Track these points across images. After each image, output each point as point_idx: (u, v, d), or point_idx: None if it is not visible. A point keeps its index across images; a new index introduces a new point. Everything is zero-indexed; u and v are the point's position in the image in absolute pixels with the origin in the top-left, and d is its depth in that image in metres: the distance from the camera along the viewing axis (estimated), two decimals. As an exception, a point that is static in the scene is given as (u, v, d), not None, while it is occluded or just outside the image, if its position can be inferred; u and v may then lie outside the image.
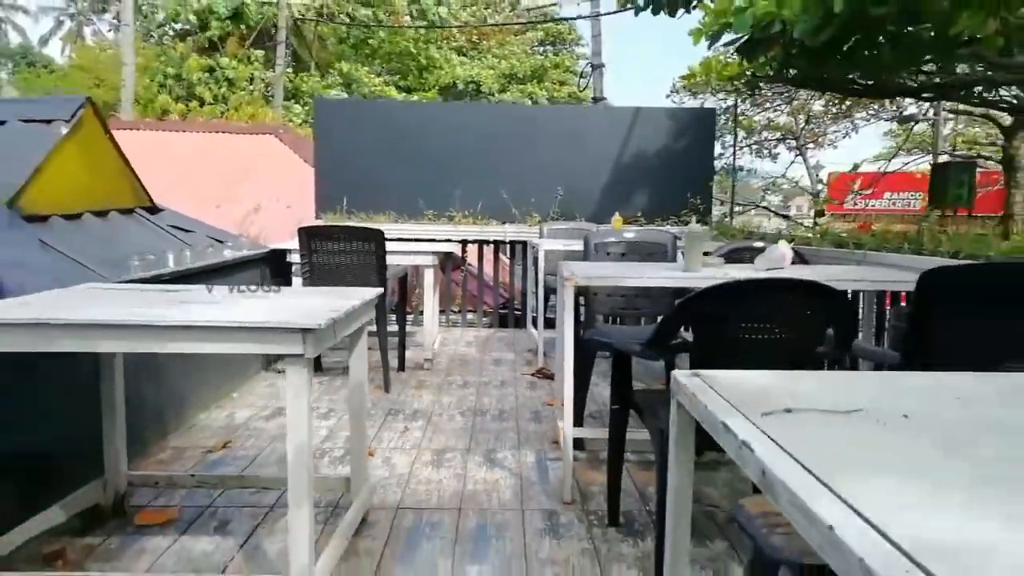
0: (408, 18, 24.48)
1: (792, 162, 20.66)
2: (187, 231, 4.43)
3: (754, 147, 18.35)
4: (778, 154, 19.99)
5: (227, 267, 3.94)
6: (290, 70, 19.19)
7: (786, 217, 13.70)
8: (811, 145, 18.82)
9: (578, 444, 3.10)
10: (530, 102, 25.73)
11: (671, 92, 11.63)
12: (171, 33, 19.14)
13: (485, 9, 29.77)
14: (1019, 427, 0.89)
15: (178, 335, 1.71)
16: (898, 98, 9.04)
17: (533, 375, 4.58)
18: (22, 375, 2.22)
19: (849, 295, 3.36)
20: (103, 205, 3.93)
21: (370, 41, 23.51)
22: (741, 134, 15.04)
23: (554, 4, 24.36)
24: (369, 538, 2.30)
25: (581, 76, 15.24)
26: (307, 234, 3.88)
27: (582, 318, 3.70)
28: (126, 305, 1.92)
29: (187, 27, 17.94)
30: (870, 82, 5.86)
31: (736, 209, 16.37)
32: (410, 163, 6.36)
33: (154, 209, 4.42)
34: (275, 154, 8.95)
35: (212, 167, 8.18)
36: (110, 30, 33.53)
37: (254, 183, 8.07)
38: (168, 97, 16.21)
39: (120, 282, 2.70)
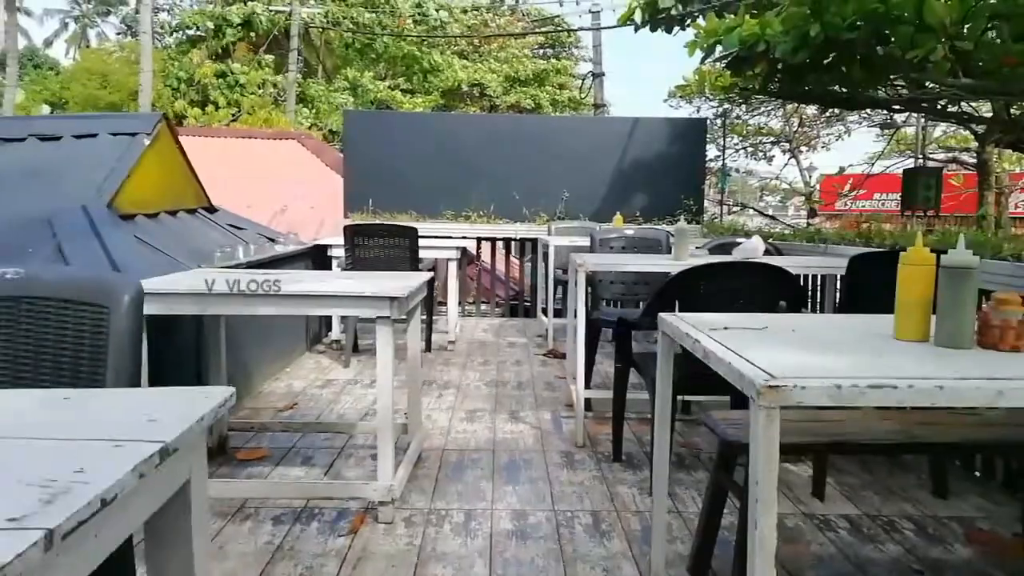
0: (411, 21, 25.09)
1: (786, 164, 21.31)
2: (240, 228, 5.05)
3: (749, 150, 19.00)
4: (773, 157, 20.62)
5: (282, 259, 4.55)
6: (299, 75, 19.77)
7: (772, 217, 14.33)
8: (804, 148, 19.48)
9: (587, 405, 3.71)
10: (533, 104, 26.35)
11: (668, 98, 12.25)
12: (184, 38, 19.71)
13: (487, 12, 30.41)
14: (850, 327, 1.51)
15: (315, 302, 2.35)
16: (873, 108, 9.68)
17: (544, 355, 5.19)
18: (159, 337, 2.83)
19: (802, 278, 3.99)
20: (174, 206, 4.54)
21: (375, 46, 24.12)
22: (737, 137, 15.68)
23: (556, 7, 24.90)
24: (426, 467, 2.92)
25: (583, 82, 15.86)
26: (351, 231, 4.50)
27: (589, 304, 4.31)
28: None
29: (200, 33, 18.52)
30: (846, 94, 6.49)
31: (735, 209, 17.00)
32: (430, 168, 6.98)
33: (212, 209, 5.04)
34: (298, 158, 9.55)
35: (241, 170, 8.73)
36: (119, 34, 34.07)
37: (279, 185, 8.66)
38: (184, 102, 16.81)
39: (224, 267, 3.32)
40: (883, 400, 1.09)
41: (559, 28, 23.15)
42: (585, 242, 4.59)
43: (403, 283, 2.52)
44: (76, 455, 0.77)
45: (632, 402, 3.16)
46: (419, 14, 25.01)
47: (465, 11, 29.08)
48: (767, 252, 3.76)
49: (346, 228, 4.51)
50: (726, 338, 1.41)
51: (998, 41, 4.71)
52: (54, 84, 31.18)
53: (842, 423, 1.84)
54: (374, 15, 22.93)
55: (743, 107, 13.84)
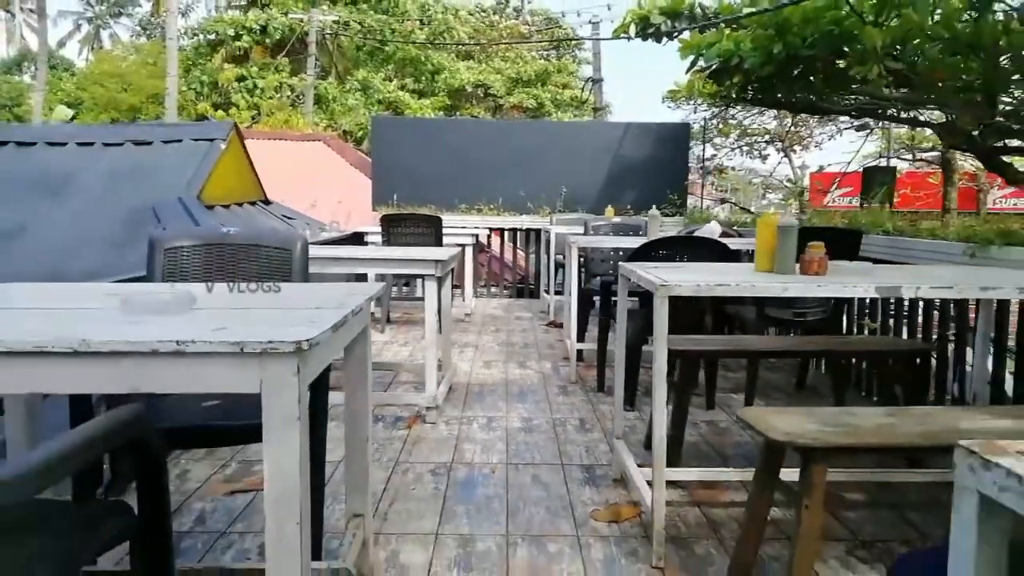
0: (418, 24, 26.02)
1: (779, 163, 22.25)
2: (291, 218, 6.00)
3: (745, 148, 19.92)
4: (767, 155, 21.55)
5: (330, 243, 5.50)
6: (312, 76, 20.73)
7: (746, 210, 15.28)
8: (797, 147, 20.40)
9: (578, 356, 4.65)
10: (535, 104, 27.23)
11: (662, 100, 13.14)
12: (204, 42, 20.66)
13: (493, 15, 31.29)
14: (731, 269, 2.44)
15: (386, 264, 3.31)
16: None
17: (547, 325, 6.14)
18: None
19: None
20: (240, 198, 5.50)
21: (385, 48, 25.06)
22: (732, 137, 16.60)
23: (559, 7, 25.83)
24: (456, 393, 3.87)
25: (583, 87, 16.77)
26: (387, 220, 5.45)
27: (582, 279, 5.25)
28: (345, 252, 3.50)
29: (221, 37, 19.47)
30: (811, 102, 7.42)
31: (727, 204, 17.97)
32: (446, 166, 7.92)
33: (267, 201, 6.00)
34: (324, 158, 10.49)
35: (274, 168, 9.63)
36: (133, 36, 34.97)
37: (309, 181, 9.57)
38: (207, 104, 17.79)
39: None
40: (721, 292, 2.03)
41: (559, 39, 24.03)
42: (581, 230, 5.54)
43: (443, 252, 3.47)
44: (304, 313, 1.70)
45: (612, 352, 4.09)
46: (425, 17, 25.97)
47: (471, 12, 30.01)
48: (726, 234, 4.71)
49: (382, 218, 5.46)
50: (650, 269, 2.35)
51: (926, 60, 5.64)
52: (69, 84, 32.09)
53: (739, 340, 2.78)
54: (384, 18, 23.89)
55: (738, 108, 14.75)
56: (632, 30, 8.50)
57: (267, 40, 19.93)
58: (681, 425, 2.70)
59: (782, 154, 20.17)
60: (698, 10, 8.35)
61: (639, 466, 2.47)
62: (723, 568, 2.04)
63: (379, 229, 5.69)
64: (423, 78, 26.18)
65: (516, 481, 2.70)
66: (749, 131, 15.17)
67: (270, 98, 18.85)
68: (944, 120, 7.94)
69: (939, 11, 5.39)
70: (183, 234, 2.26)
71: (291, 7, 19.44)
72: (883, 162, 12.09)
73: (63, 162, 5.04)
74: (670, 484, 2.50)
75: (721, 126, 13.76)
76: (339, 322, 1.41)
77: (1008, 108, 5.84)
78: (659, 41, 8.56)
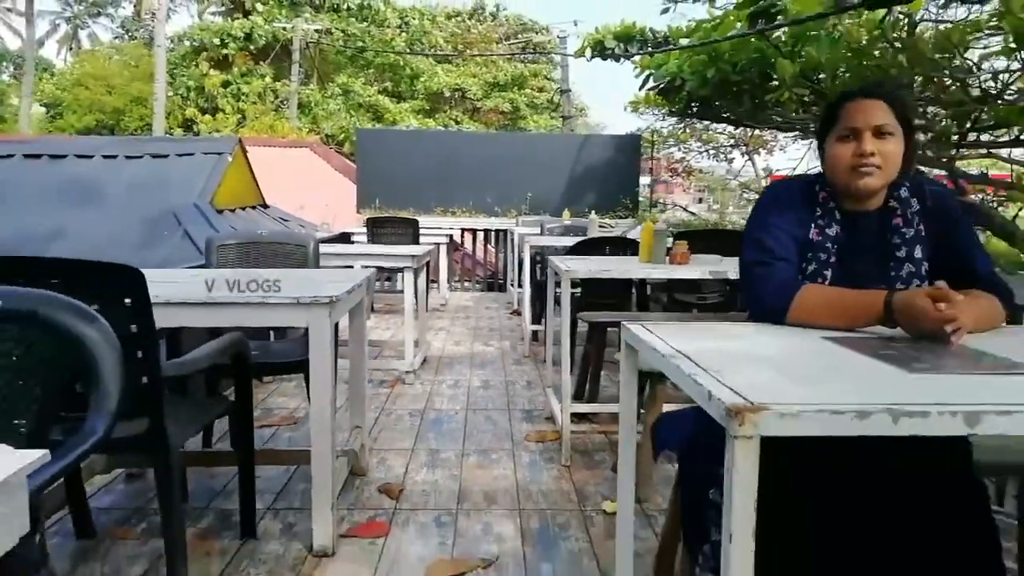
0: (398, 30, 26.84)
1: (743, 165, 23.40)
2: (286, 220, 6.85)
3: (711, 152, 21.03)
4: (733, 158, 22.70)
5: (324, 242, 6.36)
6: (299, 84, 21.47)
7: (692, 214, 16.37)
8: (761, 150, 21.54)
9: (533, 336, 5.56)
10: (511, 108, 28.12)
11: (624, 110, 14.15)
12: (189, 48, 21.31)
13: (468, 19, 32.15)
14: (632, 262, 3.37)
15: (383, 259, 4.19)
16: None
17: (510, 313, 7.06)
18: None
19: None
20: (243, 203, 6.34)
21: (365, 54, 25.85)
22: (693, 141, 17.64)
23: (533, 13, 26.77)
24: (429, 363, 4.78)
25: (552, 96, 17.69)
26: (372, 222, 6.33)
27: (539, 273, 6.16)
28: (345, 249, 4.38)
29: (206, 44, 20.15)
30: (746, 117, 8.42)
31: (670, 206, 19.06)
32: (425, 173, 8.82)
33: (265, 205, 6.85)
34: (311, 163, 11.31)
35: (264, 173, 10.39)
36: (116, 38, 35.29)
37: (297, 186, 10.38)
38: (194, 109, 18.50)
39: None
40: (603, 275, 2.95)
41: (531, 52, 25.03)
42: (539, 231, 6.47)
43: (419, 249, 4.37)
44: (328, 285, 2.59)
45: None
46: (404, 23, 26.77)
47: (449, 17, 30.85)
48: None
49: (368, 220, 6.34)
50: (564, 260, 3.26)
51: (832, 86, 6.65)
52: (48, 85, 32.32)
53: (639, 315, 3.70)
54: (364, 25, 24.68)
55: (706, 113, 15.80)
56: (589, 53, 9.53)
57: (251, 47, 20.64)
58: (595, 375, 3.63)
59: (746, 157, 21.33)
60: (648, 34, 9.38)
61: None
62: (601, 468, 2.97)
63: (364, 230, 6.57)
64: (402, 82, 26.99)
65: (473, 420, 3.62)
66: (707, 137, 16.20)
67: (253, 103, 19.57)
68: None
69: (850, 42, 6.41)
70: (229, 236, 3.15)
71: (276, 15, 20.18)
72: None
73: (91, 173, 5.86)
74: (583, 418, 3.43)
75: (680, 133, 14.76)
76: (349, 289, 2.31)
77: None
78: (617, 61, 9.57)
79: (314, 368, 2.13)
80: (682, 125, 15.88)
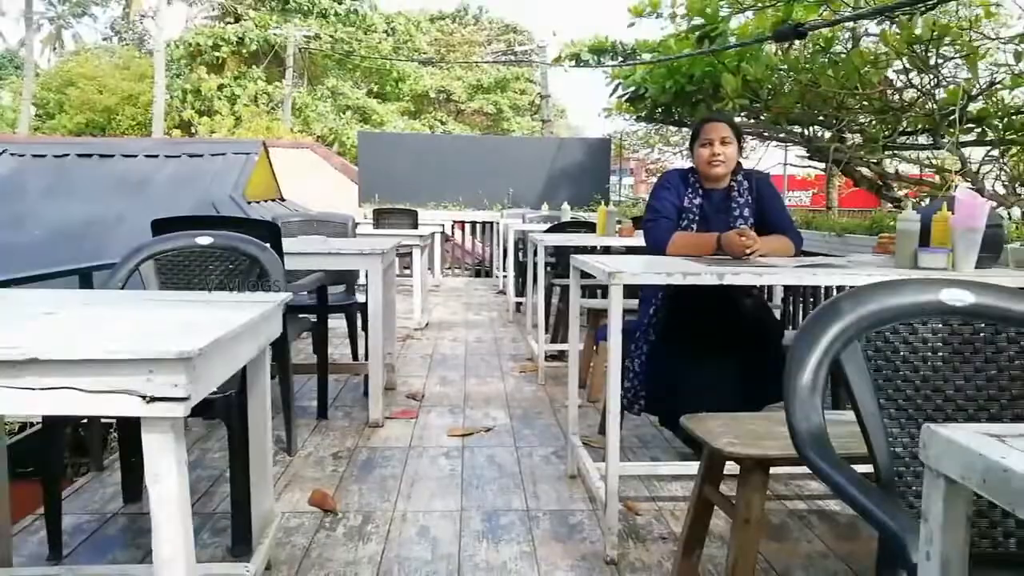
0: (384, 34, 27.81)
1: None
2: (298, 211, 7.86)
3: (685, 154, 22.27)
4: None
5: (334, 230, 7.38)
6: (291, 87, 22.43)
7: None
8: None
9: (517, 308, 6.62)
10: (495, 109, 29.15)
11: (598, 115, 15.26)
12: (183, 52, 22.14)
13: (452, 23, 33.16)
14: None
15: (400, 238, 5.24)
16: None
17: (497, 293, 8.12)
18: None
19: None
20: (265, 197, 7.35)
21: (352, 57, 26.84)
22: (658, 143, 18.83)
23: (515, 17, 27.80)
24: (432, 325, 5.83)
25: (532, 101, 18.77)
26: (377, 212, 7.36)
27: (523, 256, 7.23)
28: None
29: (202, 48, 21.02)
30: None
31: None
32: (419, 172, 9.87)
33: (283, 199, 7.86)
34: (312, 162, 12.29)
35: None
36: (105, 39, 35.85)
37: (300, 183, 11.32)
38: (192, 112, 19.40)
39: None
40: (566, 243, 4.02)
41: (512, 60, 26.10)
42: (521, 221, 7.54)
43: (425, 231, 5.43)
44: (368, 247, 3.64)
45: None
46: (389, 28, 27.72)
47: (432, 20, 31.83)
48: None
49: (374, 211, 7.37)
50: (541, 235, 4.33)
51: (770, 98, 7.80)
52: (33, 85, 32.77)
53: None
54: (352, 30, 25.64)
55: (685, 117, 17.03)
56: (566, 63, 10.67)
57: (243, 51, 21.54)
58: (565, 325, 4.70)
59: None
60: (619, 47, 10.53)
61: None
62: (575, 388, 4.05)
63: (368, 219, 7.60)
64: (388, 85, 27.94)
65: (471, 360, 4.68)
66: (676, 140, 17.40)
67: (246, 105, 20.48)
68: (811, 138, 10.12)
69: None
70: (291, 215, 4.19)
71: (267, 22, 21.11)
72: (778, 169, 14.37)
73: (138, 170, 6.85)
74: (556, 359, 4.50)
75: (651, 137, 15.95)
76: (390, 247, 3.36)
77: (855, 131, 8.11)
78: (591, 67, 10.68)
79: (371, 299, 3.17)
80: (654, 129, 17.10)
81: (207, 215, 2.47)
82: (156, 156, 7.03)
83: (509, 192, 9.92)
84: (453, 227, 9.68)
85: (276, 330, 1.68)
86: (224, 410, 1.91)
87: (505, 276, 8.22)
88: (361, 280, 3.85)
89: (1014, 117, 6.65)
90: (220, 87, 20.40)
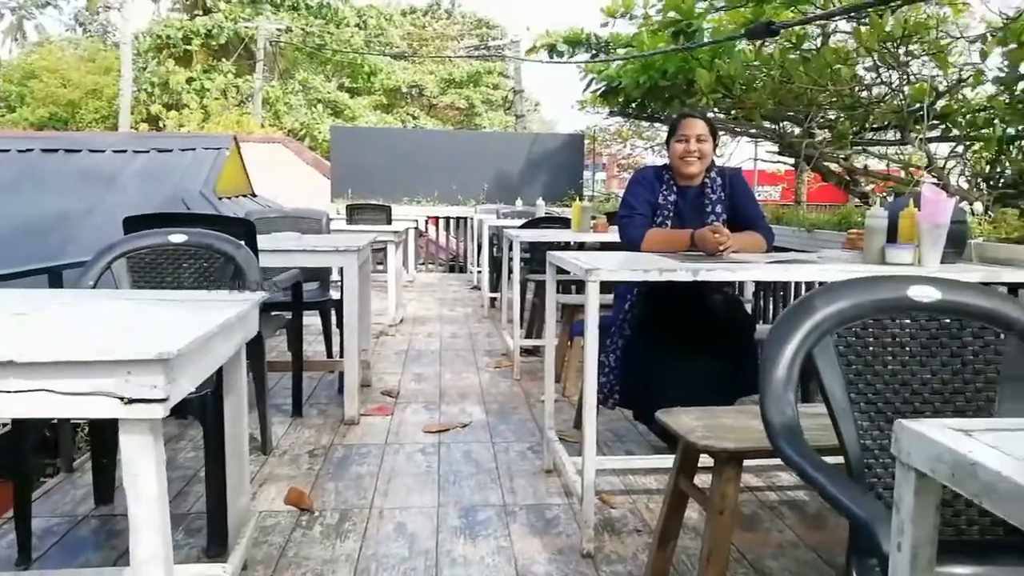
0: (356, 28, 27.54)
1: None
2: (270, 207, 7.78)
3: (657, 148, 22.41)
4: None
5: (307, 225, 7.31)
6: (260, 79, 22.11)
7: None
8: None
9: (492, 303, 6.63)
10: (467, 104, 29.05)
11: (571, 107, 15.34)
12: (151, 44, 21.72)
13: (424, 16, 32.95)
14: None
15: (375, 235, 5.21)
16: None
17: (471, 289, 8.12)
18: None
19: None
20: (236, 192, 7.26)
21: (324, 50, 26.53)
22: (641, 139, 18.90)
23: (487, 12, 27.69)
24: (407, 321, 5.81)
25: (506, 97, 18.74)
26: (350, 207, 7.31)
27: (496, 249, 7.23)
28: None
29: (171, 40, 20.64)
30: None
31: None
32: (393, 166, 9.82)
33: (254, 194, 7.77)
34: (284, 157, 12.16)
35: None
36: (68, 31, 35.04)
37: (272, 177, 11.18)
38: (159, 105, 19.05)
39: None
40: (541, 239, 4.03)
41: (485, 55, 26.03)
42: (495, 217, 7.54)
43: (400, 226, 5.40)
44: (343, 244, 3.62)
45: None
46: (361, 21, 27.46)
47: (405, 14, 31.60)
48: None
49: (348, 206, 7.31)
50: (517, 230, 4.33)
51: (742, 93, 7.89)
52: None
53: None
54: (323, 23, 25.34)
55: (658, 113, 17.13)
56: (541, 53, 10.67)
57: (213, 43, 21.20)
58: (540, 319, 4.72)
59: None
60: (593, 39, 10.56)
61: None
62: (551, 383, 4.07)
63: (340, 215, 7.54)
64: (360, 79, 27.68)
65: (446, 355, 4.68)
66: (649, 135, 17.47)
67: (216, 99, 20.18)
68: (782, 133, 10.23)
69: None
70: (267, 211, 4.15)
71: (238, 14, 20.79)
72: (749, 163, 14.54)
73: (105, 165, 6.72)
74: (531, 353, 4.52)
75: (624, 131, 16.00)
76: (365, 244, 3.34)
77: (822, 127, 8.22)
78: (564, 61, 10.71)
79: (346, 296, 3.16)
80: (627, 124, 17.17)
81: (180, 212, 2.44)
82: (124, 151, 6.90)
83: (483, 187, 9.91)
84: (427, 222, 9.64)
85: (252, 329, 1.67)
86: (200, 410, 1.89)
87: (479, 271, 8.22)
88: (335, 276, 3.84)
89: (977, 114, 6.82)
90: (189, 80, 20.06)
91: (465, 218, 9.49)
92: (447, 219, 9.76)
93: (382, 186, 9.56)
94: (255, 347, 2.66)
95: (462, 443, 3.04)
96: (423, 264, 9.87)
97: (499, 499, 2.48)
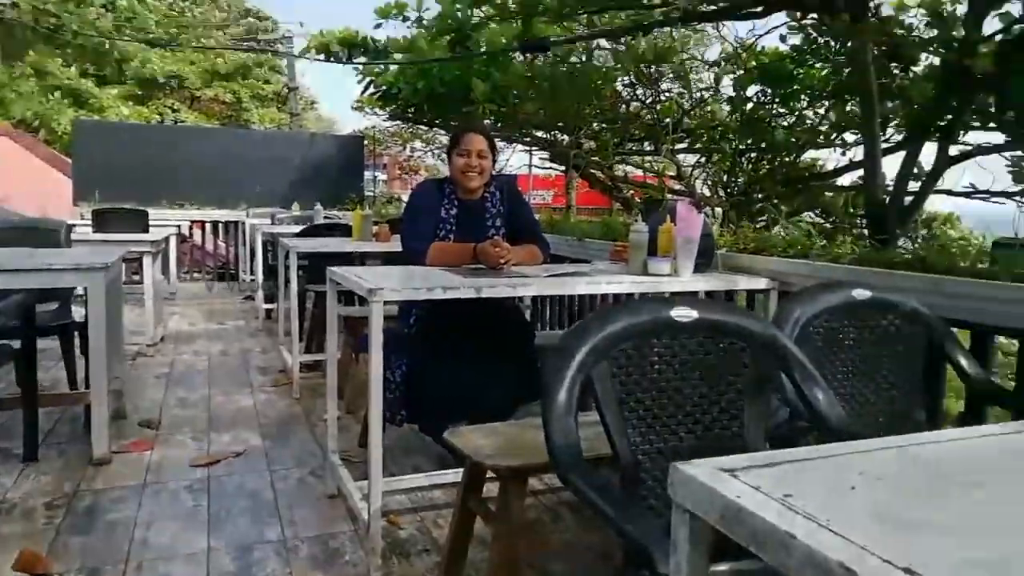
0: (103, 9, 24.64)
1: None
2: (-3, 212, 6.70)
3: (437, 152, 22.65)
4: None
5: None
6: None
7: None
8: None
9: (267, 314, 6.25)
10: (233, 99, 27.19)
11: (351, 108, 15.00)
12: None
13: (183, 2, 30.37)
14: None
15: (129, 244, 4.63)
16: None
17: (244, 299, 7.60)
18: None
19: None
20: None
21: (63, 31, 23.38)
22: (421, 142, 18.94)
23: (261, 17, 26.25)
24: (168, 340, 5.29)
25: (279, 94, 17.88)
26: (97, 212, 6.50)
27: (272, 257, 6.83)
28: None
29: None
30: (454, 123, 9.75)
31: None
32: (150, 166, 8.88)
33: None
34: (11, 153, 10.49)
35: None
36: None
37: (-3, 178, 9.62)
38: None
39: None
40: (320, 249, 3.87)
41: (256, 46, 24.69)
42: (270, 221, 7.11)
43: (157, 234, 4.89)
44: (88, 258, 3.20)
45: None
46: (109, 2, 24.64)
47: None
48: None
49: (93, 211, 6.48)
50: (292, 240, 4.11)
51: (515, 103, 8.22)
52: None
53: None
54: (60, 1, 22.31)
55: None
56: (314, 53, 10.29)
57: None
58: (321, 332, 4.52)
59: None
60: (370, 43, 10.37)
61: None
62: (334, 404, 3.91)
63: (86, 221, 6.67)
64: (108, 66, 24.82)
65: (215, 376, 4.32)
66: (428, 138, 17.60)
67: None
68: (553, 142, 10.78)
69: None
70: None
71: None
72: (524, 169, 15.27)
73: None
74: (312, 368, 4.31)
75: (404, 133, 15.94)
76: (116, 259, 2.97)
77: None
78: (341, 63, 10.43)
79: (92, 322, 2.78)
80: (407, 126, 17.13)
81: None
82: None
83: (256, 188, 9.32)
84: (191, 227, 8.87)
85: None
86: None
87: (252, 280, 7.72)
88: (80, 290, 3.36)
89: (715, 130, 7.71)
90: None
91: (236, 222, 8.86)
92: (215, 223, 9.05)
93: (137, 188, 8.62)
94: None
95: (236, 475, 2.81)
96: (187, 273, 9.07)
97: (278, 534, 2.32)
